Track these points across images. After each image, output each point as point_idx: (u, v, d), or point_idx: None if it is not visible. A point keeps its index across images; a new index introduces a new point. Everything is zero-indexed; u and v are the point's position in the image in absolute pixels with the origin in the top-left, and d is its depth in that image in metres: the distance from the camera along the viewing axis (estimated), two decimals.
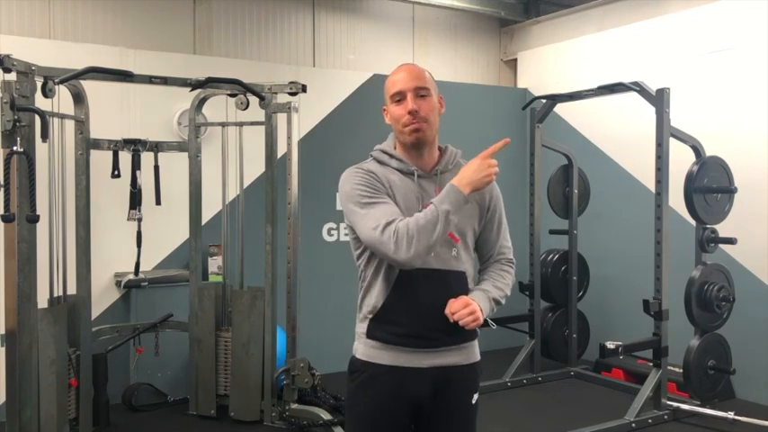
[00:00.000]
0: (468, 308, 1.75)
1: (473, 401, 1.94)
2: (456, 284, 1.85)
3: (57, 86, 3.23)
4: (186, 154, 4.13)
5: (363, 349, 1.90)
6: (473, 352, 1.95)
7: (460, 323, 1.74)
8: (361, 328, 1.90)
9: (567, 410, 4.26)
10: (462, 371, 1.91)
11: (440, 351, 1.87)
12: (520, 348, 4.93)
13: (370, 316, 1.87)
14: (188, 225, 4.13)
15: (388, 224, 1.73)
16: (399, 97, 1.85)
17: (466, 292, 1.85)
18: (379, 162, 1.91)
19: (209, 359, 4.06)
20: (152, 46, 4.58)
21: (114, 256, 4.21)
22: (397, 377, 1.86)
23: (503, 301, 1.93)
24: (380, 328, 1.86)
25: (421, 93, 1.84)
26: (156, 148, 4.11)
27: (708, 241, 4.08)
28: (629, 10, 5.19)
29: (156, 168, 4.12)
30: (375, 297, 1.86)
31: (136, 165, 4.02)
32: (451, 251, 1.86)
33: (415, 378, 1.85)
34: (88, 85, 3.66)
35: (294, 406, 3.93)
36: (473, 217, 1.91)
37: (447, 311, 1.76)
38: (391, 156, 1.90)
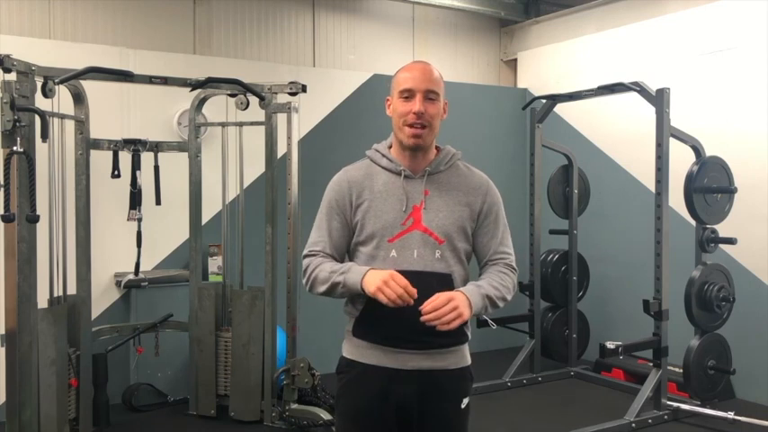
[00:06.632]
0: (451, 303, 1.67)
1: (463, 406, 1.89)
2: (440, 287, 1.76)
3: (57, 86, 3.23)
4: (186, 154, 4.13)
5: (350, 348, 1.91)
6: (461, 356, 1.89)
7: (443, 320, 1.65)
8: (349, 326, 1.91)
9: (567, 410, 4.26)
10: (449, 375, 1.86)
11: (424, 353, 1.82)
12: (520, 348, 4.93)
13: (356, 315, 1.87)
14: (188, 225, 4.13)
15: (307, 255, 1.89)
16: (408, 95, 1.83)
17: None
18: (372, 161, 1.94)
19: (209, 359, 4.06)
20: (152, 46, 4.59)
21: (114, 256, 4.22)
22: (382, 377, 1.83)
23: (500, 303, 1.84)
24: (365, 327, 1.86)
25: (430, 96, 1.83)
26: (156, 148, 4.10)
27: (708, 241, 4.08)
28: (628, 10, 5.19)
29: (156, 168, 4.12)
30: (359, 297, 1.83)
31: (136, 165, 4.02)
32: (435, 253, 1.82)
33: (400, 379, 1.82)
34: (88, 85, 3.66)
35: (294, 406, 3.93)
36: (462, 219, 1.86)
37: (423, 310, 1.66)
38: (383, 155, 1.92)
